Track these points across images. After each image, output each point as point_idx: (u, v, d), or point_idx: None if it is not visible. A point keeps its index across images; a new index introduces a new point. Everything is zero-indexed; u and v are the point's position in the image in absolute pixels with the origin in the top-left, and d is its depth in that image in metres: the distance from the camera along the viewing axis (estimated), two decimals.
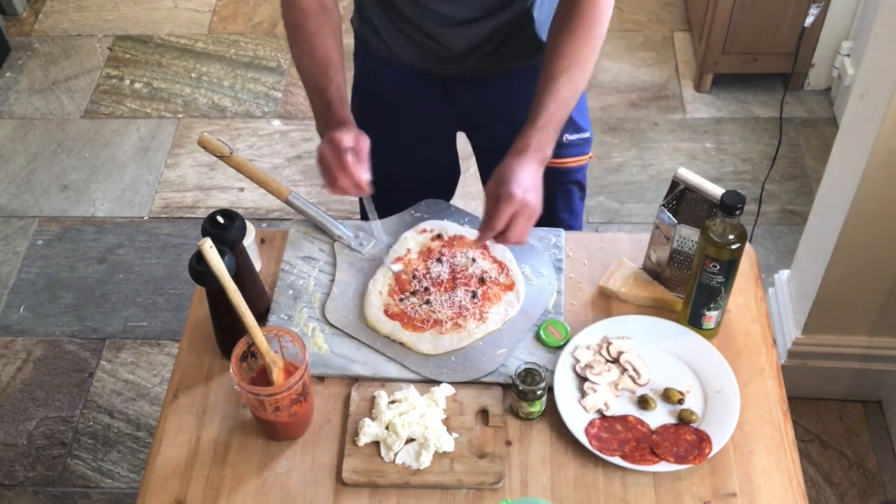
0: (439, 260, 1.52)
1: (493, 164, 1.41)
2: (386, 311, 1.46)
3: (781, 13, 2.82)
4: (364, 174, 1.39)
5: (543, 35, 1.56)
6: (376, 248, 1.56)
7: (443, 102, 1.66)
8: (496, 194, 1.36)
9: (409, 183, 1.69)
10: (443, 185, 1.84)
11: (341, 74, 1.47)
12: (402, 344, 1.43)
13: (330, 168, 1.39)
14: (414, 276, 1.50)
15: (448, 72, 1.61)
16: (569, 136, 1.66)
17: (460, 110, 1.67)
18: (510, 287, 1.48)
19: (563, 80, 1.42)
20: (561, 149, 1.67)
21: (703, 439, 1.31)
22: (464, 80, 1.62)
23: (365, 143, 1.41)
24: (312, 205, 1.57)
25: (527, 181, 1.36)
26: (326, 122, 1.44)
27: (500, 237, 1.38)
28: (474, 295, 1.47)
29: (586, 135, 1.70)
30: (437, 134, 1.74)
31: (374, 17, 1.59)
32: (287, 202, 1.55)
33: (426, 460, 1.30)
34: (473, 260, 1.51)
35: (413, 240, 1.55)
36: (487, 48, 1.56)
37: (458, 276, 1.49)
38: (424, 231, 1.56)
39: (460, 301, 1.46)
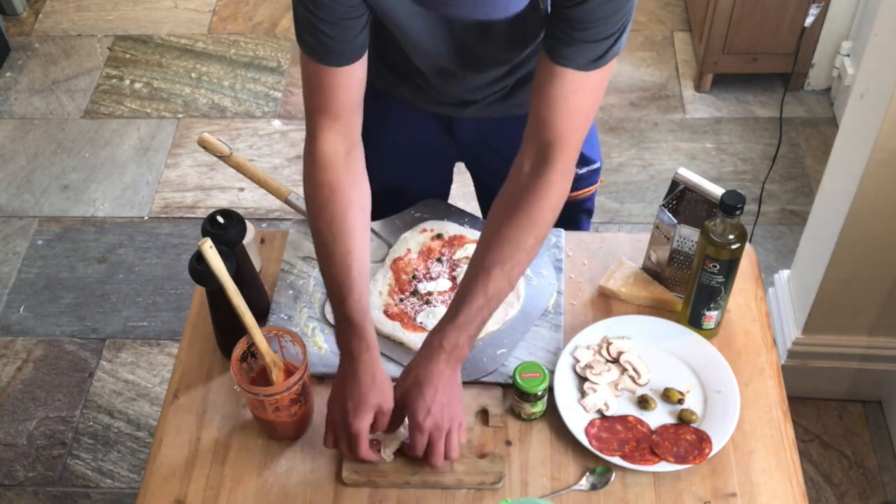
0: (439, 260, 1.51)
1: (491, 188, 1.35)
2: (386, 312, 1.46)
3: (781, 13, 2.82)
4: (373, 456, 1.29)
5: None
6: (376, 249, 1.56)
7: (444, 137, 1.62)
8: (409, 419, 1.26)
9: (399, 194, 1.66)
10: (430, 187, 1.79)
11: (364, 277, 1.30)
12: (402, 344, 1.43)
13: (339, 444, 1.29)
14: (414, 277, 1.50)
15: (452, 113, 1.57)
16: (579, 171, 1.60)
17: (463, 146, 1.63)
18: None
19: (496, 274, 1.25)
20: (573, 182, 1.64)
21: (703, 439, 1.31)
22: (468, 120, 1.58)
23: (384, 413, 1.27)
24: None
25: (431, 397, 1.24)
26: (345, 343, 1.29)
27: (431, 459, 1.27)
28: None
29: (596, 165, 1.66)
30: (436, 162, 1.70)
31: (372, 59, 1.52)
32: (287, 202, 1.55)
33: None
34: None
35: (413, 240, 1.55)
36: (495, 97, 1.51)
37: (458, 275, 1.49)
38: (425, 231, 1.56)
39: None
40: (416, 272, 1.50)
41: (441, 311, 1.44)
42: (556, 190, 1.28)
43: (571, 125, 1.26)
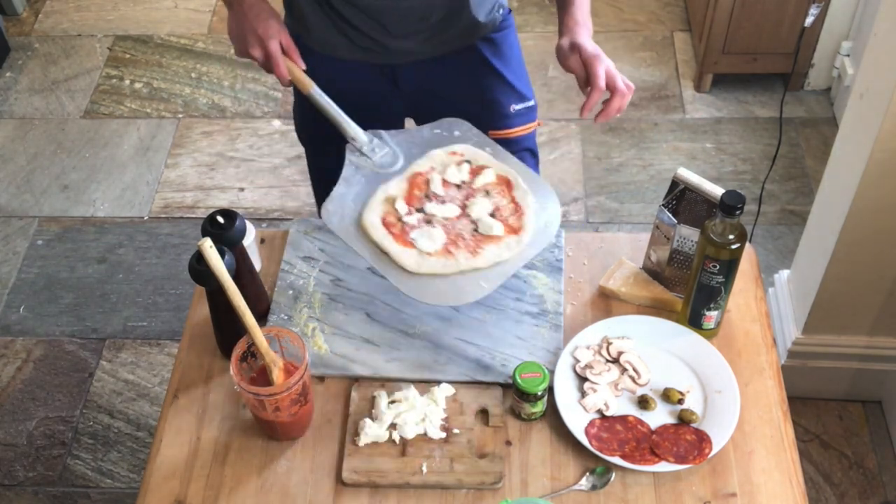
0: (459, 186, 1.49)
1: None
2: (383, 220, 1.44)
3: (781, 13, 2.82)
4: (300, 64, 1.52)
5: (480, 16, 1.60)
6: (387, 157, 1.53)
7: (388, 89, 1.69)
8: (581, 61, 1.44)
9: None
10: None
11: None
12: (386, 254, 1.40)
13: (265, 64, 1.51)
14: (426, 195, 1.48)
15: (389, 58, 1.63)
16: (515, 106, 1.71)
17: (406, 95, 1.69)
18: (515, 231, 1.43)
19: None
20: (508, 119, 1.72)
21: (703, 439, 1.31)
22: (406, 66, 1.65)
23: (287, 37, 1.51)
24: (333, 104, 1.54)
25: (590, 43, 1.45)
26: None
27: (606, 104, 1.43)
28: (476, 229, 1.44)
29: (531, 103, 1.75)
30: (387, 122, 1.70)
31: (307, 14, 1.61)
32: (309, 96, 1.54)
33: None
34: (487, 192, 1.48)
35: (440, 159, 1.52)
36: (425, 28, 1.58)
37: (470, 205, 1.47)
38: (454, 154, 1.53)
39: (460, 230, 1.44)
40: (429, 192, 1.48)
41: (438, 232, 1.43)
42: None
43: None
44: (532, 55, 3.16)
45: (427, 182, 1.49)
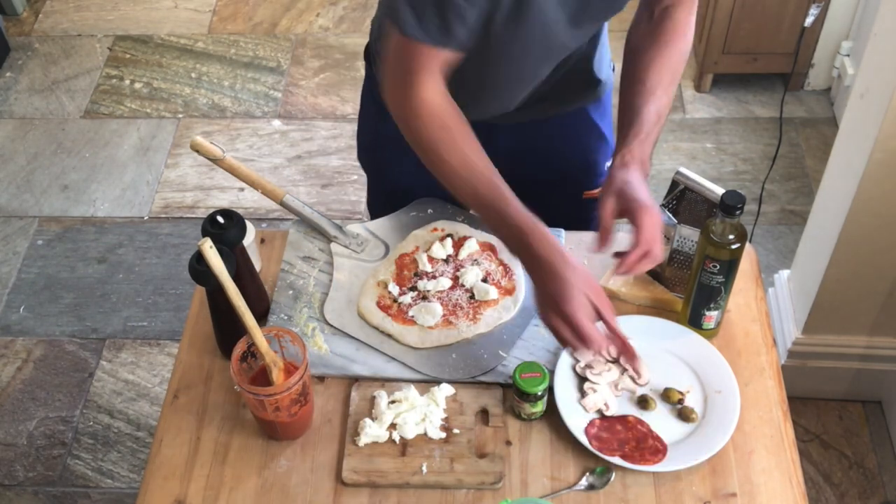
0: (446, 260, 1.52)
1: (524, 199, 1.34)
2: (378, 303, 1.47)
3: (781, 13, 2.82)
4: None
5: (599, 73, 1.54)
6: (373, 248, 1.56)
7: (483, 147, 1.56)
8: (629, 210, 1.30)
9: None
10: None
11: (506, 184, 1.32)
12: (389, 336, 1.43)
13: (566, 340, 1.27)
14: (416, 274, 1.51)
15: (496, 119, 1.54)
16: (608, 163, 1.58)
17: (499, 153, 1.48)
18: (510, 292, 1.48)
19: (661, 94, 1.37)
20: (601, 177, 1.63)
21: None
22: (510, 126, 1.56)
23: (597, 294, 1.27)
24: (308, 206, 1.57)
25: (642, 185, 1.31)
26: (527, 245, 1.27)
27: (646, 257, 1.29)
28: (472, 296, 1.47)
29: None
30: None
31: None
32: (282, 204, 1.55)
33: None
34: (475, 260, 1.51)
35: (423, 238, 1.55)
36: (546, 96, 1.51)
37: (461, 275, 1.49)
38: (435, 230, 1.57)
39: (457, 300, 1.47)
40: (418, 270, 1.51)
41: (435, 305, 1.45)
42: (692, 20, 1.42)
43: None
44: None
45: (414, 261, 1.52)
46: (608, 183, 1.33)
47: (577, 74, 1.51)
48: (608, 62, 1.59)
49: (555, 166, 1.63)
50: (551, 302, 1.25)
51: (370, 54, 1.60)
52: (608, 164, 1.58)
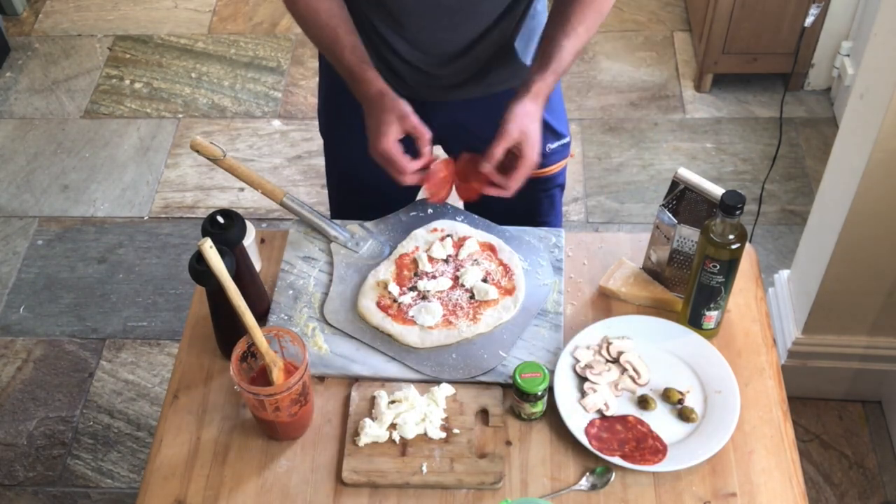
0: (446, 260, 1.52)
1: None
2: (378, 303, 1.47)
3: (781, 13, 2.82)
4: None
5: (525, 60, 1.57)
6: (373, 248, 1.56)
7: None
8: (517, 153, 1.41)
9: (372, 186, 1.67)
10: (408, 190, 1.82)
11: (352, 34, 1.47)
12: (390, 336, 1.43)
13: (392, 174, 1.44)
14: (416, 274, 1.51)
15: (428, 96, 1.60)
16: (550, 146, 1.67)
17: (436, 128, 1.57)
18: (510, 292, 1.48)
19: (581, 32, 1.44)
20: (544, 158, 1.66)
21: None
22: (443, 104, 1.62)
23: (422, 131, 1.44)
24: (307, 206, 1.57)
25: (521, 115, 1.40)
26: (359, 93, 1.46)
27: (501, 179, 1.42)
28: (472, 296, 1.47)
29: (566, 140, 1.71)
30: (411, 148, 1.69)
31: None
32: (282, 204, 1.55)
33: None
34: (476, 260, 1.51)
35: (423, 238, 1.55)
36: (470, 77, 1.56)
37: (461, 275, 1.49)
38: (435, 230, 1.57)
39: (457, 300, 1.47)
40: (418, 270, 1.51)
41: (436, 305, 1.45)
42: None
43: None
44: None
45: (414, 261, 1.52)
46: (512, 112, 1.41)
47: (496, 53, 1.55)
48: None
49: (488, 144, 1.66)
50: (371, 138, 1.44)
51: None
52: (550, 145, 1.67)
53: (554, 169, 1.72)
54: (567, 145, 1.72)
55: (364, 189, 1.70)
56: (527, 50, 1.57)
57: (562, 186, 1.79)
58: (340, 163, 1.80)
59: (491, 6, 1.48)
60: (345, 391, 1.40)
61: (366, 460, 1.32)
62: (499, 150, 1.40)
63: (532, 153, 1.41)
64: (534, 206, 1.73)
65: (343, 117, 1.65)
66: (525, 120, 1.40)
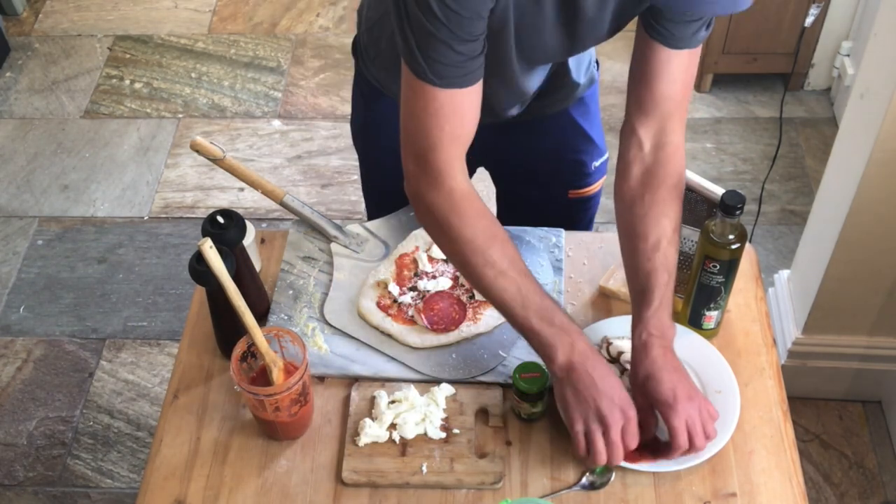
0: (446, 260, 1.52)
1: (511, 197, 1.31)
2: (378, 303, 1.47)
3: (781, 13, 2.82)
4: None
5: (578, 78, 1.53)
6: (373, 248, 1.56)
7: None
8: (655, 405, 1.26)
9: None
10: None
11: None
12: (390, 336, 1.43)
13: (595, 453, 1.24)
14: (416, 274, 1.51)
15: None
16: (595, 163, 1.64)
17: (485, 153, 1.51)
18: None
19: (666, 247, 1.30)
20: (588, 177, 1.66)
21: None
22: (490, 126, 1.51)
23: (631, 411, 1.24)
24: (308, 206, 1.57)
25: (668, 381, 1.24)
26: (569, 349, 1.25)
27: (696, 441, 1.25)
28: (472, 296, 1.47)
29: (606, 156, 1.68)
30: None
31: (388, 57, 1.47)
32: (282, 204, 1.55)
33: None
34: None
35: (423, 238, 1.55)
36: (530, 102, 1.51)
37: (460, 276, 1.50)
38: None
39: (457, 298, 1.47)
40: (418, 270, 1.51)
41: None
42: (682, 157, 1.35)
43: (686, 94, 1.34)
44: None
45: (414, 261, 1.52)
46: (632, 372, 1.28)
47: (552, 83, 1.49)
48: (589, 63, 1.57)
49: (539, 166, 1.63)
50: (592, 407, 1.22)
51: (358, 48, 1.59)
52: (595, 163, 1.62)
53: (597, 187, 1.68)
54: (606, 161, 1.67)
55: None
56: (579, 67, 1.52)
57: (598, 202, 1.75)
58: (380, 161, 1.69)
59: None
60: (345, 391, 1.40)
61: (366, 460, 1.32)
62: (679, 429, 1.23)
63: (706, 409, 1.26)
64: (573, 226, 1.66)
65: (379, 118, 1.56)
66: (671, 377, 1.24)
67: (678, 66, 1.29)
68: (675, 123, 1.34)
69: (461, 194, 1.26)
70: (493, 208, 1.80)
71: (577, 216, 1.71)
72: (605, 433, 1.22)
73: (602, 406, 1.21)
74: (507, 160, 1.64)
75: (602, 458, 1.22)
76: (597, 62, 1.60)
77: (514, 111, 1.51)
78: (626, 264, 1.35)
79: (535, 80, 1.43)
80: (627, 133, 1.36)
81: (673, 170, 1.33)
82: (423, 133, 1.22)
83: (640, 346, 1.27)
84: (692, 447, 1.25)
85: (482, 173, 1.72)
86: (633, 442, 1.23)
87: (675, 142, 1.34)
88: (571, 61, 1.50)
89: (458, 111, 1.21)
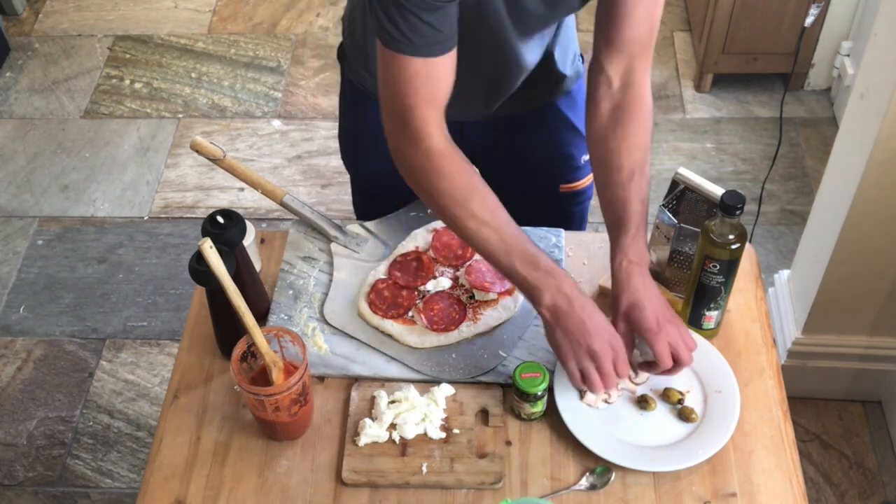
0: (446, 261, 1.52)
1: (502, 194, 1.33)
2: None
3: (781, 13, 2.82)
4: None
5: (564, 69, 1.55)
6: (373, 248, 1.56)
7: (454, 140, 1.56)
8: (642, 336, 1.30)
9: (395, 195, 1.62)
10: None
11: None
12: (390, 336, 1.43)
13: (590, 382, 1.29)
14: (415, 274, 1.51)
15: (467, 117, 1.56)
16: (585, 157, 1.64)
17: (473, 151, 1.48)
18: (510, 292, 1.48)
19: (638, 178, 1.36)
20: (579, 171, 1.67)
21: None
22: (481, 123, 1.58)
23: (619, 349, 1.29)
24: (308, 206, 1.57)
25: (650, 304, 1.29)
26: (556, 288, 1.28)
27: (681, 355, 1.30)
28: (472, 296, 1.47)
29: None
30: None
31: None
32: (282, 204, 1.55)
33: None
34: (477, 261, 1.51)
35: (423, 238, 1.55)
36: (516, 93, 1.52)
37: (460, 275, 1.49)
38: (436, 231, 1.57)
39: (457, 298, 1.47)
40: (417, 269, 1.51)
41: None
42: (649, 94, 1.40)
43: (652, 35, 1.41)
44: None
45: (415, 261, 1.52)
46: (614, 301, 1.31)
47: (539, 72, 1.51)
48: (574, 55, 1.59)
49: (529, 161, 1.64)
50: (583, 345, 1.27)
51: (344, 53, 1.60)
52: (584, 157, 1.63)
53: (587, 181, 1.69)
54: None
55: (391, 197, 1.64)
56: (564, 57, 1.54)
57: (590, 199, 1.75)
58: (369, 175, 1.75)
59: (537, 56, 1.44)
60: (345, 391, 1.40)
61: (366, 460, 1.32)
62: (664, 353, 1.28)
63: (673, 325, 1.31)
64: (565, 220, 1.69)
65: (366, 129, 1.58)
66: (652, 304, 1.29)
67: (644, 10, 1.38)
68: (643, 62, 1.40)
69: (438, 152, 1.29)
70: None
71: (569, 210, 1.72)
72: (598, 367, 1.27)
73: (593, 343, 1.26)
74: (497, 156, 1.65)
75: (598, 387, 1.28)
76: (581, 56, 1.61)
77: (516, 85, 1.51)
78: (600, 195, 1.40)
79: (533, 52, 1.45)
80: (596, 71, 1.40)
81: (643, 105, 1.39)
82: (398, 97, 1.26)
83: (621, 274, 1.31)
84: (678, 364, 1.30)
85: None
86: (625, 371, 1.29)
87: (643, 80, 1.40)
88: (557, 50, 1.52)
89: (433, 77, 1.25)
